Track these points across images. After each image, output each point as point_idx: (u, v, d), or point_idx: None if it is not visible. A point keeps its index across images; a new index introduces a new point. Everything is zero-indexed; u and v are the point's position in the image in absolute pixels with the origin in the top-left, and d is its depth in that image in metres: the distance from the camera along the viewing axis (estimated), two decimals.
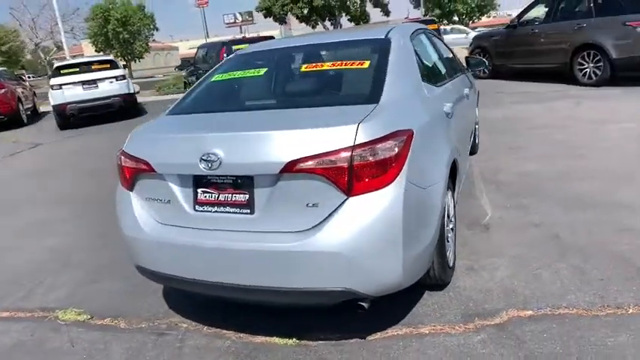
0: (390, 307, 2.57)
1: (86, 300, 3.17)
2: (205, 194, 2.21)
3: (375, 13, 19.20)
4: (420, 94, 2.55)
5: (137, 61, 39.49)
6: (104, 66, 11.90)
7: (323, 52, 2.95)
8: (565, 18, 9.29)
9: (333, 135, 1.98)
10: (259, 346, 2.47)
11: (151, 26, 37.34)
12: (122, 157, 2.45)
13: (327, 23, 18.16)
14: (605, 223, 3.34)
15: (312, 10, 16.58)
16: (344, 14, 17.30)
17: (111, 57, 13.75)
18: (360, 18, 18.30)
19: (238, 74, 2.91)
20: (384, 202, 1.97)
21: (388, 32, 2.87)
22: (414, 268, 2.17)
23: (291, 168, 1.97)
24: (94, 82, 11.49)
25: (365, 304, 2.13)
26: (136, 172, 2.37)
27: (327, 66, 2.73)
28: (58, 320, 2.96)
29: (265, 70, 2.89)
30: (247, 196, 2.11)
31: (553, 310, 2.46)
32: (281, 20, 18.52)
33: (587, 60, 8.67)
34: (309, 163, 1.94)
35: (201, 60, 11.95)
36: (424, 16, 30.74)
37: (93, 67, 11.84)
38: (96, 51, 37.06)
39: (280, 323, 2.59)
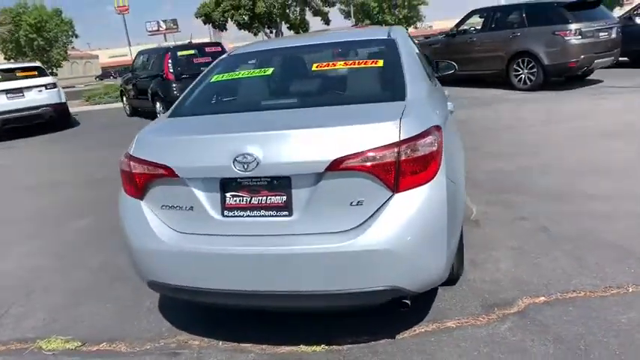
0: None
1: (71, 325, 2.85)
2: (235, 198, 2.07)
3: (314, 22, 19.53)
4: (431, 92, 2.60)
5: (54, 70, 36.65)
6: (31, 73, 10.93)
7: (329, 52, 2.91)
8: (500, 27, 9.98)
9: (378, 131, 1.95)
10: (287, 356, 2.36)
11: (70, 32, 34.87)
12: (131, 162, 2.23)
13: (269, 31, 18.09)
14: (582, 213, 3.60)
15: (254, 17, 16.41)
16: (283, 22, 17.36)
17: (37, 63, 12.66)
18: (300, 26, 18.41)
19: (243, 74, 2.79)
20: (429, 197, 1.97)
21: (389, 33, 2.91)
22: (451, 262, 2.19)
23: (337, 166, 1.90)
24: (19, 90, 10.50)
25: (408, 302, 2.10)
26: (150, 179, 2.18)
27: (339, 65, 2.69)
28: (43, 351, 2.64)
29: (272, 69, 2.79)
30: (284, 197, 2.02)
31: (563, 295, 2.59)
32: (221, 27, 18.12)
33: (522, 66, 9.37)
34: (356, 160, 1.90)
35: (140, 67, 11.35)
36: (355, 25, 31.92)
37: (17, 74, 10.83)
38: (5, 59, 33.91)
39: (300, 331, 2.50)
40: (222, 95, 2.86)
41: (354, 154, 1.89)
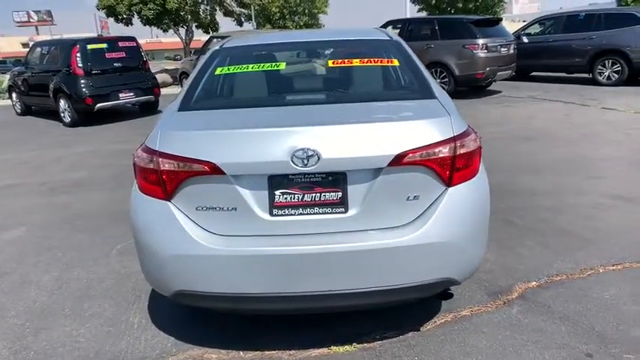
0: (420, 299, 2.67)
1: (50, 353, 2.45)
2: (286, 196, 1.97)
3: (223, 22, 18.92)
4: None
5: None
6: None
7: (337, 49, 2.87)
8: (414, 39, 10.70)
9: (435, 127, 2.00)
10: (323, 358, 2.29)
11: None
12: (159, 159, 1.99)
13: (178, 28, 17.07)
14: (535, 207, 4.03)
15: (164, 13, 15.38)
16: (193, 21, 16.59)
17: None
18: (209, 26, 17.74)
19: (253, 67, 2.62)
20: (476, 190, 2.08)
21: (387, 34, 3.00)
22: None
23: (399, 161, 1.91)
24: None
25: (451, 291, 2.18)
26: (185, 177, 1.97)
27: (355, 62, 2.68)
28: None
29: (284, 63, 2.67)
30: (340, 193, 1.96)
31: (551, 278, 2.89)
32: (127, 21, 16.66)
33: (435, 76, 10.16)
34: (418, 155, 1.93)
35: (37, 60, 10.02)
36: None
37: None
38: None
39: (324, 333, 2.45)
40: (237, 88, 2.69)
41: (416, 148, 1.92)
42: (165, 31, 17.05)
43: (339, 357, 2.30)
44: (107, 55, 9.29)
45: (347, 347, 2.35)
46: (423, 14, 35.17)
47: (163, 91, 11.25)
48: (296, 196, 1.97)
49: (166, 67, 16.42)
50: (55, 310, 2.85)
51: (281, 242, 1.95)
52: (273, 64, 2.65)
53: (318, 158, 1.89)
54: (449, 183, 2.00)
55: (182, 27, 17.38)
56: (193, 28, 17.17)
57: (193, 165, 1.94)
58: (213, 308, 2.26)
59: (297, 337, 2.44)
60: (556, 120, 7.63)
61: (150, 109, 10.37)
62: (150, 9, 15.01)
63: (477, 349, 2.30)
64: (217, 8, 17.44)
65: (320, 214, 1.98)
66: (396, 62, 2.64)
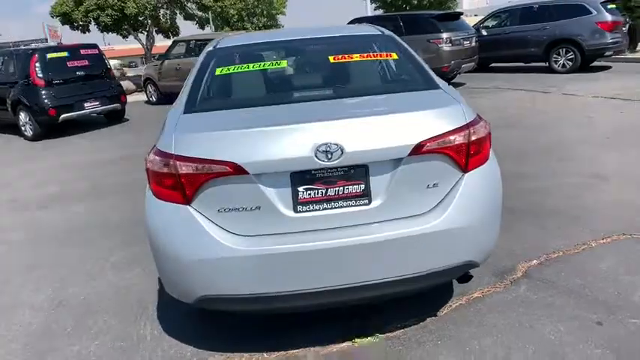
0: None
1: None
2: (309, 192, 1.97)
3: (184, 26, 18.52)
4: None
5: None
6: None
7: (334, 45, 2.87)
8: None
9: (449, 115, 2.06)
10: (348, 351, 2.31)
11: None
12: (177, 162, 1.94)
13: (140, 35, 16.49)
14: (523, 190, 4.17)
15: (123, 18, 14.79)
16: (153, 26, 16.08)
17: None
18: (169, 30, 17.27)
19: (254, 66, 2.59)
20: (489, 174, 2.15)
21: (378, 28, 3.05)
22: None
23: (419, 150, 1.95)
24: None
25: (470, 273, 2.25)
26: (205, 179, 1.93)
27: (356, 57, 2.69)
28: None
29: (286, 61, 2.65)
30: (363, 185, 1.99)
31: (549, 256, 3.03)
32: (83, 29, 15.89)
33: None
34: (436, 143, 1.98)
35: None
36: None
37: None
38: None
39: (346, 327, 2.46)
40: (240, 88, 2.64)
41: (434, 137, 1.97)
42: (125, 37, 16.47)
43: (363, 349, 2.32)
44: (69, 64, 8.91)
45: (371, 339, 2.38)
46: (380, 12, 35.74)
47: (128, 98, 10.91)
48: (319, 191, 1.97)
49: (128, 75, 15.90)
50: (55, 330, 2.72)
51: (308, 238, 1.96)
52: (274, 62, 2.63)
53: (342, 152, 1.90)
54: (465, 169, 2.06)
55: (141, 32, 16.87)
56: (154, 33, 16.70)
57: (214, 166, 1.91)
58: (241, 311, 2.23)
59: (320, 333, 2.44)
60: (524, 108, 7.95)
61: (116, 117, 10.04)
62: (108, 15, 14.45)
63: (496, 327, 2.38)
64: (178, 12, 17.03)
65: (344, 207, 1.99)
66: (394, 56, 2.69)
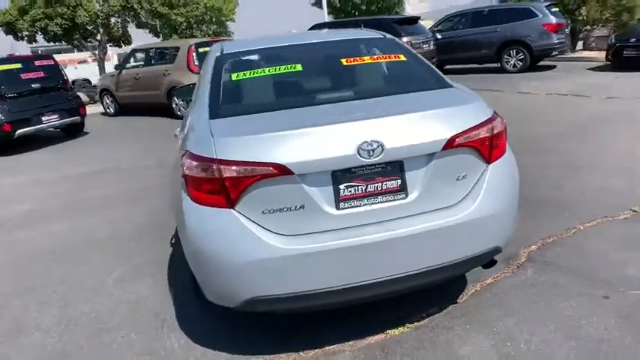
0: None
1: None
2: (350, 189, 2.04)
3: (135, 35, 17.84)
4: None
5: None
6: None
7: (346, 49, 2.94)
8: None
9: (473, 111, 2.21)
10: (381, 343, 2.39)
11: None
12: (222, 167, 1.95)
13: (90, 44, 15.68)
14: None
15: (74, 27, 14.03)
16: (105, 34, 15.37)
17: None
18: (121, 39, 16.63)
19: (270, 71, 2.63)
20: (509, 164, 2.32)
21: (378, 32, 3.18)
22: None
23: (450, 144, 2.08)
24: None
25: (495, 259, 2.40)
26: (250, 182, 1.95)
27: (367, 59, 2.79)
28: None
29: (300, 65, 2.70)
30: (399, 180, 2.08)
31: (545, 241, 3.26)
32: (30, 39, 14.93)
33: None
34: (464, 137, 2.11)
35: None
36: None
37: None
38: None
39: (375, 320, 2.54)
40: (262, 92, 2.67)
41: (463, 131, 2.11)
42: (75, 47, 15.66)
43: (397, 339, 2.41)
44: (23, 76, 8.44)
45: (401, 329, 2.47)
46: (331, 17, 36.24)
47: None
48: (360, 187, 2.05)
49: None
50: (71, 350, 2.62)
51: (351, 234, 2.03)
52: (289, 66, 2.68)
53: (382, 149, 1.99)
54: (489, 160, 2.21)
55: (89, 42, 16.11)
56: (105, 42, 16.05)
57: (259, 168, 1.95)
58: (287, 310, 2.24)
59: (352, 328, 2.50)
60: None
61: (75, 131, 9.62)
62: (57, 24, 13.72)
63: (515, 308, 2.54)
64: (130, 20, 16.46)
65: (383, 202, 2.08)
66: (402, 57, 2.81)
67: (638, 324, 2.32)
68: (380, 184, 2.07)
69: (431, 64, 2.79)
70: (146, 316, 2.86)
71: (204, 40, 10.82)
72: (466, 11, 13.30)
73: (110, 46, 17.03)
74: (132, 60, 11.39)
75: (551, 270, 2.89)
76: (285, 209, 2.00)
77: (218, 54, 2.92)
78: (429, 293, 2.70)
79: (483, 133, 2.17)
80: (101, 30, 15.62)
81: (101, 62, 15.93)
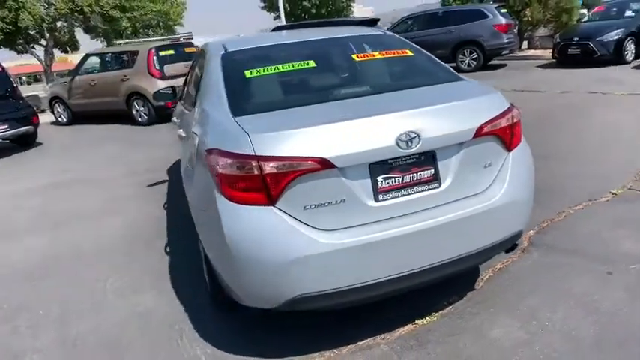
0: None
1: None
2: (387, 180, 2.06)
3: (84, 40, 16.94)
4: None
5: None
6: None
7: (354, 44, 2.94)
8: None
9: (495, 101, 2.31)
10: (413, 333, 2.43)
11: None
12: (262, 163, 1.91)
13: (39, 51, 14.63)
14: None
15: (17, 32, 13.07)
16: (51, 39, 14.43)
17: None
18: (68, 44, 15.73)
19: (284, 67, 2.59)
20: (525, 152, 2.44)
21: (379, 29, 3.23)
22: None
23: (479, 133, 2.16)
24: None
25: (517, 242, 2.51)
26: (292, 178, 1.92)
27: (377, 55, 2.82)
28: None
29: (312, 61, 2.68)
30: (432, 170, 2.13)
31: (541, 225, 3.43)
32: None
33: None
34: (490, 127, 2.20)
35: None
36: None
37: None
38: None
39: (403, 312, 2.57)
40: (282, 88, 2.65)
41: (489, 121, 2.19)
42: (20, 53, 14.61)
43: (427, 327, 2.46)
44: None
45: (429, 318, 2.52)
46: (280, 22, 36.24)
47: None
48: (396, 179, 2.08)
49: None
50: None
51: (391, 225, 2.05)
52: (302, 62, 2.66)
53: (419, 139, 2.03)
54: (509, 148, 2.31)
55: (33, 48, 15.12)
56: (52, 47, 15.10)
57: (301, 163, 1.93)
58: (329, 306, 2.21)
59: (377, 323, 2.52)
60: None
61: (27, 142, 9.02)
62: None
63: (531, 289, 2.67)
64: (78, 24, 15.60)
65: (418, 192, 2.12)
66: (409, 52, 2.88)
67: None
68: (415, 174, 2.11)
69: (437, 59, 2.88)
70: (161, 327, 2.74)
71: (164, 43, 10.47)
72: (421, 13, 13.74)
73: (61, 51, 16.11)
74: (86, 65, 10.84)
75: (553, 252, 3.05)
76: (326, 204, 1.99)
77: (222, 52, 2.86)
78: (444, 283, 2.76)
79: (504, 122, 2.27)
80: (47, 35, 14.72)
81: (48, 69, 15.01)
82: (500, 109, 2.27)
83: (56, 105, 11.26)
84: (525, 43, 15.80)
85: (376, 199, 2.06)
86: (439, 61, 2.88)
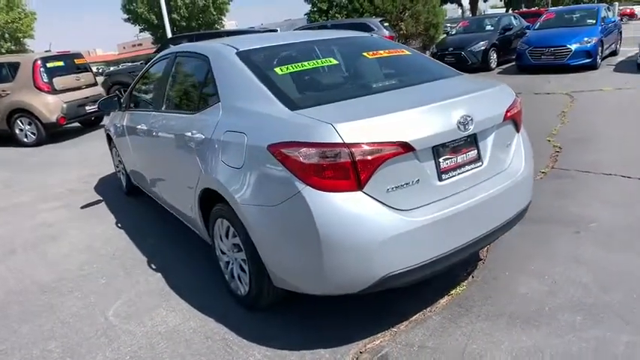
0: None
1: None
2: (447, 161, 2.30)
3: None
4: None
5: None
6: None
7: (362, 44, 3.19)
8: None
9: (507, 90, 2.72)
10: (456, 301, 2.70)
11: None
12: (352, 150, 2.00)
13: None
14: None
15: None
16: None
17: None
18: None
19: (310, 64, 2.68)
20: (526, 135, 2.87)
21: (368, 31, 3.50)
22: None
23: (506, 116, 2.55)
24: None
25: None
26: (380, 162, 2.06)
27: (385, 53, 3.03)
28: None
29: (333, 58, 2.80)
30: (475, 150, 2.44)
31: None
32: None
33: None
34: (512, 111, 2.61)
35: None
36: None
37: None
38: None
39: (421, 294, 2.76)
40: (321, 84, 2.78)
41: (510, 106, 2.60)
42: None
43: (463, 296, 2.74)
44: None
45: (459, 288, 2.82)
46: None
47: None
48: (452, 159, 2.35)
49: None
50: None
51: (454, 201, 2.31)
52: (325, 59, 2.80)
53: (473, 122, 2.32)
54: (518, 130, 2.74)
55: None
56: None
57: (387, 148, 2.07)
58: (412, 281, 2.31)
59: (413, 300, 2.71)
60: None
61: None
62: None
63: (528, 253, 3.14)
64: None
65: (468, 171, 2.42)
66: (407, 52, 3.20)
67: (616, 246, 3.13)
68: (465, 155, 2.40)
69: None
70: (200, 341, 2.58)
71: (51, 54, 9.30)
72: (311, 25, 14.38)
73: None
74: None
75: (523, 222, 3.55)
76: (405, 185, 2.17)
77: (234, 51, 2.83)
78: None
79: (517, 107, 2.70)
80: None
81: None
82: (513, 97, 2.70)
83: None
84: None
85: (439, 179, 2.30)
86: (432, 59, 3.26)
